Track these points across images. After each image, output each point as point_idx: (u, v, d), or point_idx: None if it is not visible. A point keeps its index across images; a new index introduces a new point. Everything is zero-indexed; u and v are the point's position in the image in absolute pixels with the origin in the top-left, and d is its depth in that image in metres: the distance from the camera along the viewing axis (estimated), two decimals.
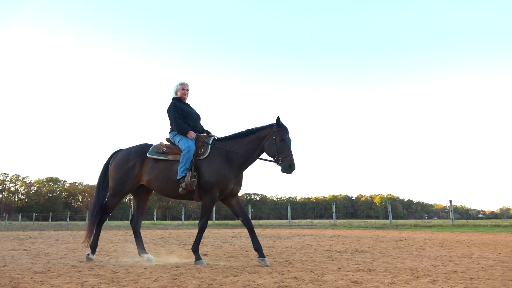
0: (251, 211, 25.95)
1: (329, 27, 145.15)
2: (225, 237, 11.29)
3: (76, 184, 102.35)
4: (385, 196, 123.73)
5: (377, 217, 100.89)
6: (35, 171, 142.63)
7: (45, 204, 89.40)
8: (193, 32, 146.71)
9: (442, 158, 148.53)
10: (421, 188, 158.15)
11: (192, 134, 5.17)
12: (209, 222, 28.28)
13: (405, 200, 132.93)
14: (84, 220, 39.29)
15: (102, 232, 14.35)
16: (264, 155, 5.11)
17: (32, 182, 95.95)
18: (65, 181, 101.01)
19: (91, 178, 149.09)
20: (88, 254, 5.35)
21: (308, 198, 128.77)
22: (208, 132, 5.56)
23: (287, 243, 8.46)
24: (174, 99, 5.55)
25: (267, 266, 4.67)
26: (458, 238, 10.15)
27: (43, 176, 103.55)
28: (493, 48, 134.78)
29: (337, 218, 25.35)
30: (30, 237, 11.70)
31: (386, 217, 22.18)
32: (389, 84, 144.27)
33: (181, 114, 5.39)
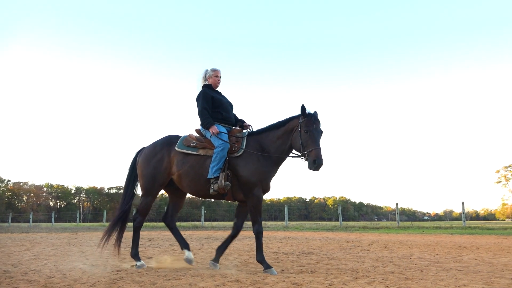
0: (205, 213, 25.72)
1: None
2: (175, 239, 11.09)
3: (21, 183, 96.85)
4: (337, 199, 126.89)
5: (330, 219, 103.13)
6: None
7: None
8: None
9: (391, 162, 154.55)
10: (372, 191, 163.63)
11: (214, 130, 4.69)
12: (162, 223, 27.71)
13: (357, 203, 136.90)
14: (28, 221, 37.31)
15: (44, 235, 13.78)
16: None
17: None
18: (9, 180, 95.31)
19: (37, 177, 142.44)
20: (136, 264, 4.85)
21: (263, 200, 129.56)
22: (242, 122, 5.16)
23: (236, 245, 8.44)
24: (204, 86, 5.07)
25: (216, 270, 4.52)
26: (402, 239, 10.57)
27: None
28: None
29: (290, 220, 25.69)
30: None
31: (338, 219, 22.84)
32: (340, 86, 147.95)
33: (212, 104, 4.91)
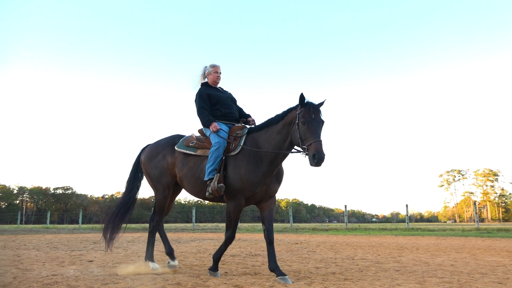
0: None
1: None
2: (122, 241, 10.75)
3: None
4: (290, 201, 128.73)
5: (282, 221, 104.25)
6: None
7: None
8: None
9: (343, 165, 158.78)
10: (324, 194, 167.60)
11: (214, 127, 4.42)
12: None
13: (309, 205, 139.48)
14: None
15: None
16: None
17: None
18: None
19: None
20: (150, 266, 4.66)
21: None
22: (247, 117, 4.85)
23: (183, 248, 8.32)
24: (202, 85, 4.84)
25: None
26: (349, 240, 10.86)
27: None
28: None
29: (243, 222, 25.67)
30: None
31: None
32: (293, 87, 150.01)
33: (209, 101, 4.66)
